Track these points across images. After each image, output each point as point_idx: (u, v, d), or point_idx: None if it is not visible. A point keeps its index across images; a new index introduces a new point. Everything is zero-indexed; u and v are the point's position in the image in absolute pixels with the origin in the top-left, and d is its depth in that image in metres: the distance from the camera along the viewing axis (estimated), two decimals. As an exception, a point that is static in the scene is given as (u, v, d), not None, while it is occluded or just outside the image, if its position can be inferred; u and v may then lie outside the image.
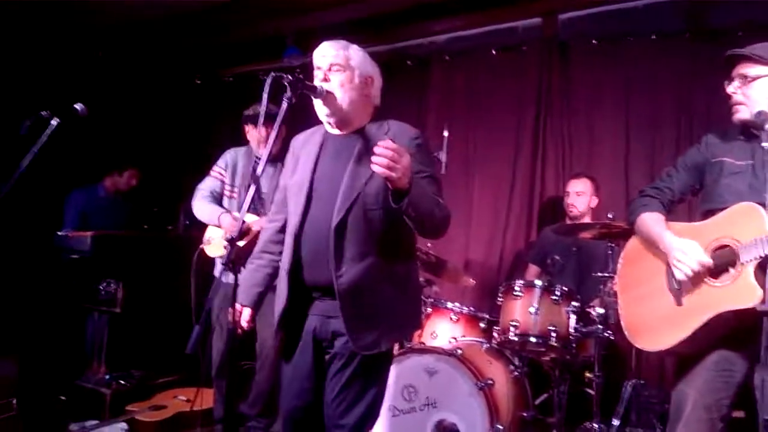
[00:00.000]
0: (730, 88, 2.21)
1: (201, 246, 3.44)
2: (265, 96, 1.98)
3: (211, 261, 3.55)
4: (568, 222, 4.01)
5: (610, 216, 3.25)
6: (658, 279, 2.26)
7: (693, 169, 2.34)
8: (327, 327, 2.17)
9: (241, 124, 3.66)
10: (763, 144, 1.91)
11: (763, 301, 1.87)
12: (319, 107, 2.20)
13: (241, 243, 3.27)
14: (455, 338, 3.49)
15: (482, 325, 3.56)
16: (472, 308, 3.63)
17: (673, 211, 2.39)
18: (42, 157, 2.46)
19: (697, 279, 2.12)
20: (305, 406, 2.24)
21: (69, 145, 3.49)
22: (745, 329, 2.01)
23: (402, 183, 1.88)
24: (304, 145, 2.33)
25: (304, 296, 2.23)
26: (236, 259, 1.88)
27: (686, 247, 2.14)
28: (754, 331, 1.93)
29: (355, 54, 2.21)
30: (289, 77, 2.01)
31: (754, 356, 2.04)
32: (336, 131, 2.26)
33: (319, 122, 2.32)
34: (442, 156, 3.64)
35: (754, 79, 2.14)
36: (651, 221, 2.32)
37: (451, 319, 3.57)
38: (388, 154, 1.81)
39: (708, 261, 2.10)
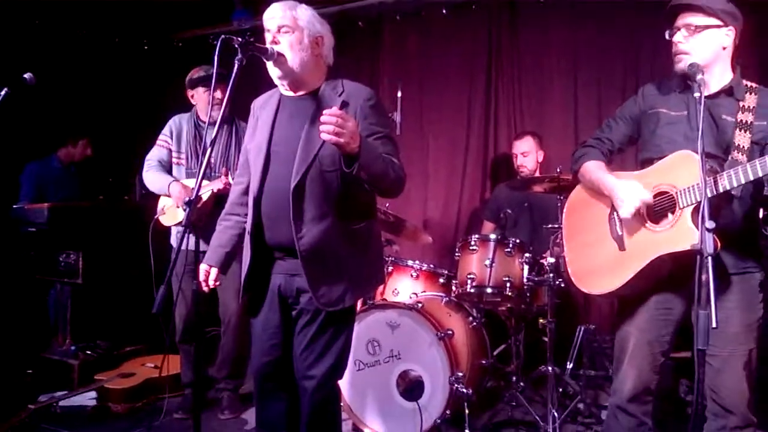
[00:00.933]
0: (676, 37, 2.21)
1: (156, 216, 3.45)
2: (216, 59, 1.98)
3: (167, 230, 3.57)
4: (519, 178, 4.14)
5: (558, 170, 3.37)
6: (602, 227, 2.37)
7: (630, 120, 2.42)
8: (291, 284, 2.24)
9: (185, 88, 3.59)
10: (695, 94, 1.99)
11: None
12: (272, 69, 2.21)
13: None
14: (416, 294, 3.61)
15: (441, 280, 3.67)
16: (431, 265, 3.74)
17: (613, 160, 2.47)
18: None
19: (638, 225, 2.23)
20: (275, 360, 2.32)
21: (20, 117, 3.43)
22: (682, 271, 2.13)
23: (351, 148, 1.93)
24: (263, 108, 2.36)
25: (267, 257, 2.29)
26: (195, 221, 1.91)
27: (628, 185, 2.23)
28: (691, 273, 2.05)
29: (303, 14, 2.22)
30: (239, 39, 2.02)
31: (691, 296, 2.18)
32: (290, 93, 2.29)
33: (268, 86, 2.34)
34: (397, 117, 3.69)
35: (701, 29, 2.18)
36: (592, 168, 2.40)
37: (411, 276, 3.68)
38: (333, 120, 1.86)
39: (648, 197, 2.20)
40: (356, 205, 2.25)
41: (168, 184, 3.41)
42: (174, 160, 3.54)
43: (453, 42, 4.85)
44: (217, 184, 3.26)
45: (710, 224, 1.75)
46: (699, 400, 1.83)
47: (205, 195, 3.28)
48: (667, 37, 2.26)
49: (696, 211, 2.07)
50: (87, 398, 3.66)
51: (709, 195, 1.92)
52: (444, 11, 4.79)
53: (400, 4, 4.92)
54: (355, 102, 2.19)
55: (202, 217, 3.20)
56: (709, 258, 1.74)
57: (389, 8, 4.98)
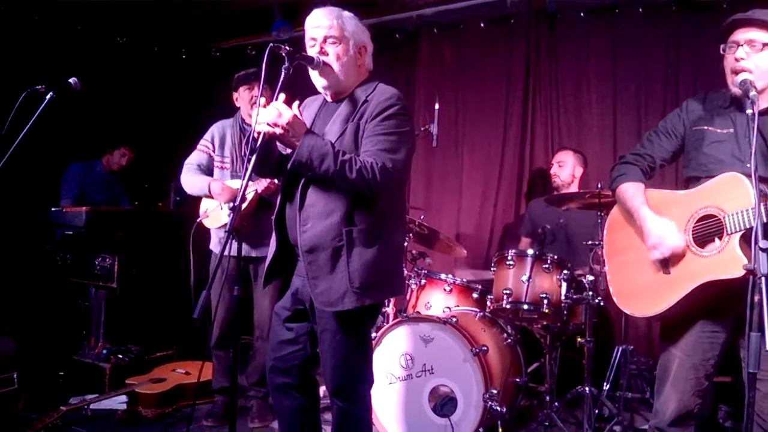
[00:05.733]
0: (738, 53, 2.10)
1: (198, 220, 3.36)
2: (263, 66, 2.00)
3: (205, 236, 3.57)
4: (556, 193, 4.09)
5: (599, 186, 3.30)
6: (645, 247, 2.28)
7: (674, 135, 2.33)
8: (307, 289, 2.20)
9: (231, 90, 3.49)
10: (747, 111, 1.92)
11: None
12: (317, 79, 2.22)
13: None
14: (449, 308, 3.56)
15: (475, 295, 3.62)
16: (464, 279, 3.69)
17: (653, 176, 2.39)
18: (35, 132, 2.48)
19: (683, 248, 2.15)
20: (284, 357, 2.33)
21: (57, 121, 3.49)
22: (725, 300, 2.08)
23: (288, 140, 2.07)
24: (308, 107, 2.39)
25: (292, 254, 2.31)
26: (239, 227, 1.91)
27: (662, 231, 2.16)
28: (736, 297, 1.99)
29: (348, 23, 2.22)
30: (287, 48, 2.03)
31: (736, 321, 2.13)
32: (330, 99, 2.32)
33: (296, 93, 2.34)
34: (434, 128, 3.66)
35: (766, 46, 2.08)
36: (630, 193, 2.31)
37: (444, 290, 3.63)
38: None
39: (681, 246, 2.13)
40: (370, 207, 2.17)
41: (208, 184, 3.35)
42: (217, 164, 3.50)
43: (490, 55, 4.83)
44: (261, 184, 3.20)
45: (764, 243, 1.68)
46: (748, 425, 1.76)
47: (249, 195, 3.21)
48: (722, 51, 2.17)
49: (744, 237, 2.00)
50: (117, 402, 3.67)
51: (764, 220, 1.85)
52: (482, 24, 4.77)
53: (439, 17, 4.94)
54: (377, 100, 2.18)
55: (246, 219, 3.16)
56: (763, 279, 1.67)
57: (427, 21, 5.00)
